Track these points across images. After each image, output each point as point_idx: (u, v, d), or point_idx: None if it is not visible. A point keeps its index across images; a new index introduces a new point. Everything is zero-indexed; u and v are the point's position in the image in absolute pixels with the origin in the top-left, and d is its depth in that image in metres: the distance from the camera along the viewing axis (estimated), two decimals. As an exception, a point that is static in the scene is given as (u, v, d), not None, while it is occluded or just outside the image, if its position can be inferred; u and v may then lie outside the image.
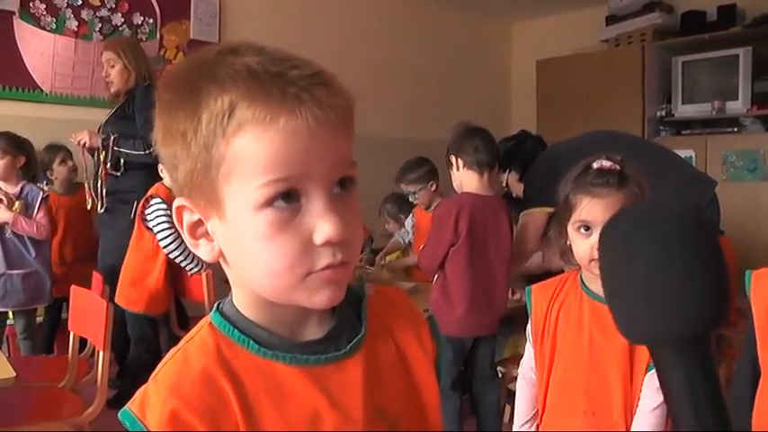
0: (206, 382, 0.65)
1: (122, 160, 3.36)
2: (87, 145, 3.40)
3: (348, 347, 0.70)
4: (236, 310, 0.70)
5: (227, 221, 0.65)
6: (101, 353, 2.27)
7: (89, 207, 3.51)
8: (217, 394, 0.64)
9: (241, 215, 0.63)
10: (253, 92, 0.61)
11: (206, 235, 0.68)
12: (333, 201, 0.64)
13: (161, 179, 3.29)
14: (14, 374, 1.92)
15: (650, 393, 1.43)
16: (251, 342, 0.68)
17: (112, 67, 3.47)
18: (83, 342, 2.61)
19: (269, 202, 0.62)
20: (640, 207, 0.52)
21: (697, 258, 0.48)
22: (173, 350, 0.70)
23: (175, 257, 3.14)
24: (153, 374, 0.68)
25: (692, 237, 0.50)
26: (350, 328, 0.72)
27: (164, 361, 0.69)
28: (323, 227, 0.62)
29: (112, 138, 3.34)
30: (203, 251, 0.69)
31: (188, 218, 0.68)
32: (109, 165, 3.35)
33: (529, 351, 1.61)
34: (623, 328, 0.50)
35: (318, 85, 0.63)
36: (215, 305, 0.73)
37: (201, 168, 0.64)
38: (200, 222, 0.68)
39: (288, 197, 0.62)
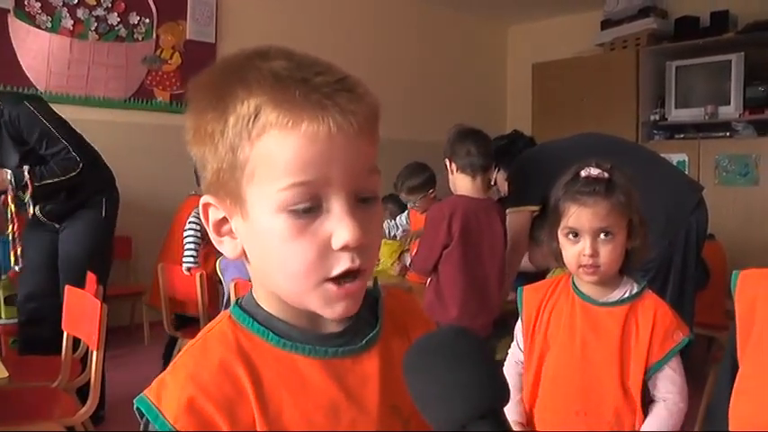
0: (224, 373, 0.66)
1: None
2: None
3: (364, 342, 0.72)
4: (256, 303, 0.72)
5: (249, 221, 0.67)
6: (94, 353, 2.27)
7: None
8: (234, 385, 0.66)
9: (262, 216, 0.65)
10: (277, 96, 0.63)
11: (230, 233, 0.70)
12: (353, 207, 0.65)
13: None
14: (7, 374, 1.93)
15: (664, 395, 1.47)
16: (270, 334, 0.69)
17: None
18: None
19: (289, 206, 0.63)
20: (419, 342, 0.65)
21: (464, 360, 0.61)
22: (192, 341, 0.71)
23: (185, 243, 3.29)
24: (171, 363, 0.69)
25: (456, 347, 0.62)
26: (367, 324, 0.74)
27: (182, 351, 0.70)
28: (341, 232, 0.63)
29: (27, 172, 2.71)
30: (227, 248, 0.71)
31: (213, 215, 0.70)
32: (35, 209, 2.77)
33: (515, 353, 1.65)
34: (437, 424, 0.60)
35: (341, 91, 0.64)
36: (234, 300, 0.74)
37: (227, 168, 0.66)
38: (224, 220, 0.69)
39: (308, 201, 0.64)
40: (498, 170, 3.17)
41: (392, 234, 3.77)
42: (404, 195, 3.54)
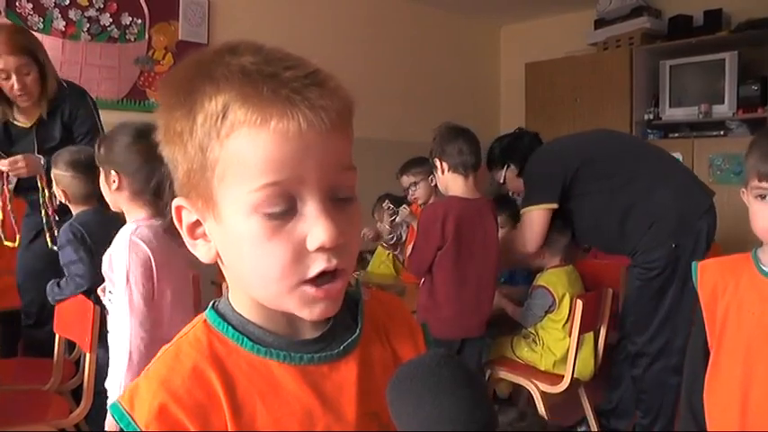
0: (196, 379, 0.65)
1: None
2: (26, 174, 2.70)
3: (341, 348, 0.70)
4: (232, 308, 0.70)
5: (222, 223, 0.65)
6: (87, 355, 2.25)
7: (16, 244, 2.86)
8: (207, 391, 0.64)
9: (235, 218, 0.63)
10: (245, 92, 0.61)
11: (204, 236, 0.68)
12: (328, 206, 0.63)
13: None
14: (-2, 377, 1.92)
15: None
16: (245, 339, 0.68)
17: (27, 74, 2.73)
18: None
19: (262, 207, 0.61)
20: (402, 369, 0.63)
21: (448, 388, 0.59)
22: (166, 346, 0.70)
23: None
24: (145, 369, 0.68)
25: (440, 375, 0.60)
26: (346, 329, 0.72)
27: (157, 356, 0.69)
28: (316, 232, 0.61)
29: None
30: (201, 251, 0.69)
31: (186, 218, 0.68)
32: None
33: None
34: None
35: (311, 86, 0.62)
36: (210, 303, 0.73)
37: (198, 169, 0.64)
38: (198, 223, 0.68)
39: (281, 202, 0.62)
40: (508, 167, 3.15)
41: (399, 233, 3.74)
42: (406, 177, 3.53)
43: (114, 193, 1.91)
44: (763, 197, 1.38)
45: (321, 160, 0.62)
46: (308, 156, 0.61)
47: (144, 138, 1.83)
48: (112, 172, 1.89)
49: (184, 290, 1.95)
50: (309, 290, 0.63)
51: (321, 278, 0.63)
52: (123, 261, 1.78)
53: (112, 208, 2.00)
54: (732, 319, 1.39)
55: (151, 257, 1.79)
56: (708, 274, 1.46)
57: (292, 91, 0.61)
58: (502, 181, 3.22)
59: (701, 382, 1.43)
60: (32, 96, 2.77)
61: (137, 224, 1.85)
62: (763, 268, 1.39)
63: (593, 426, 2.93)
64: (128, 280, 1.76)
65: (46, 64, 2.78)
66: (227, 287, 0.72)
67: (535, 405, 2.77)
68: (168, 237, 1.77)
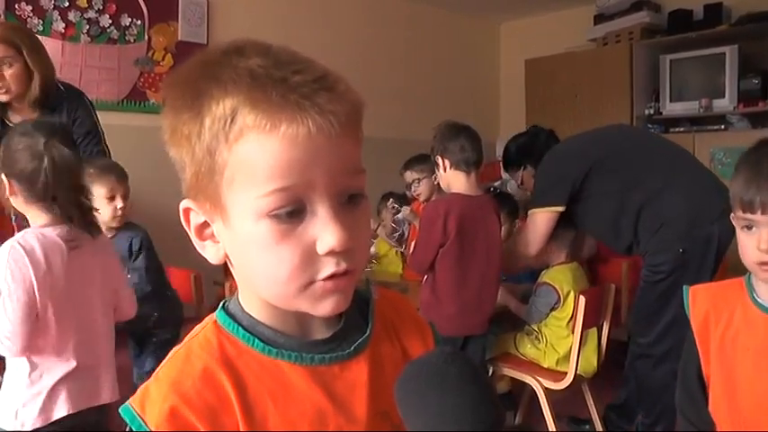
0: (207, 381, 0.65)
1: None
2: None
3: (352, 348, 0.70)
4: (242, 308, 0.70)
5: (230, 226, 0.64)
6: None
7: None
8: (218, 393, 0.64)
9: (244, 222, 0.63)
10: (254, 97, 0.60)
11: (212, 237, 0.68)
12: (338, 210, 0.63)
13: None
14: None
15: None
16: (256, 340, 0.67)
17: (9, 66, 2.60)
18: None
19: (271, 212, 0.61)
20: (409, 368, 0.62)
21: (455, 386, 0.59)
22: (176, 347, 0.69)
23: None
24: (156, 371, 0.67)
25: (446, 373, 0.60)
26: (356, 329, 0.72)
27: (167, 358, 0.69)
28: (326, 237, 0.61)
29: None
30: (210, 253, 0.68)
31: (195, 219, 0.68)
32: None
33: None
34: None
35: (321, 90, 0.61)
36: (221, 303, 0.72)
37: (206, 172, 0.63)
38: (206, 224, 0.68)
39: (290, 207, 0.61)
40: (525, 168, 3.11)
41: (401, 231, 3.75)
42: (409, 173, 3.52)
43: (11, 199, 1.78)
44: (749, 228, 1.24)
45: (330, 165, 0.62)
46: (317, 161, 0.61)
47: (26, 136, 1.75)
48: (2, 176, 1.76)
49: (77, 306, 1.78)
50: (319, 285, 0.63)
51: (331, 278, 0.64)
52: (1, 268, 1.66)
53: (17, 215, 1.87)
54: (727, 354, 1.31)
55: (29, 267, 1.66)
56: (700, 301, 1.38)
57: (301, 96, 0.60)
58: (519, 182, 3.19)
59: (701, 409, 1.36)
60: (11, 92, 2.65)
61: (27, 230, 1.74)
62: (757, 299, 1.29)
63: (597, 423, 2.93)
64: (8, 287, 1.65)
65: (33, 62, 2.66)
66: (231, 287, 0.72)
67: (539, 401, 2.77)
68: (71, 245, 1.68)
